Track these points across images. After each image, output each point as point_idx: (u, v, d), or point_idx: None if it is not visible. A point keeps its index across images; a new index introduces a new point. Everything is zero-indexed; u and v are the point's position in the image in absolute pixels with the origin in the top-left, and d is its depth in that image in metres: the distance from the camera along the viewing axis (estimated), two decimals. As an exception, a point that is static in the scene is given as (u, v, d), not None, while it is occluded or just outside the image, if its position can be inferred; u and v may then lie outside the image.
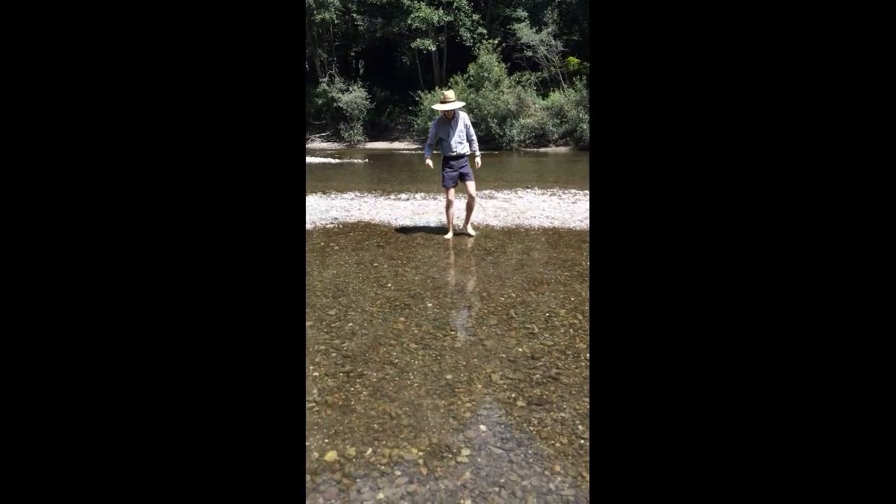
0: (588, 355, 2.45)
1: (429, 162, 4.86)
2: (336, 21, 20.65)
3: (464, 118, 4.75)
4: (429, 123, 18.97)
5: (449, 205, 4.85)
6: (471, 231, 4.97)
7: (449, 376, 2.28)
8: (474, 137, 4.79)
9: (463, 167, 4.76)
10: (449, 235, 4.86)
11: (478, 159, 4.81)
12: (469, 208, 4.95)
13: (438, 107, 4.67)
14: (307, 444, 1.81)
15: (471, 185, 4.80)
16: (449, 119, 4.69)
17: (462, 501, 1.54)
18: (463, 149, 4.73)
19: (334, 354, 2.51)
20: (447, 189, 4.80)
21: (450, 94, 4.68)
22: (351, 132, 20.52)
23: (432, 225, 5.47)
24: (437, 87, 19.67)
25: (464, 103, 5.24)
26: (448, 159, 4.75)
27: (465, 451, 1.77)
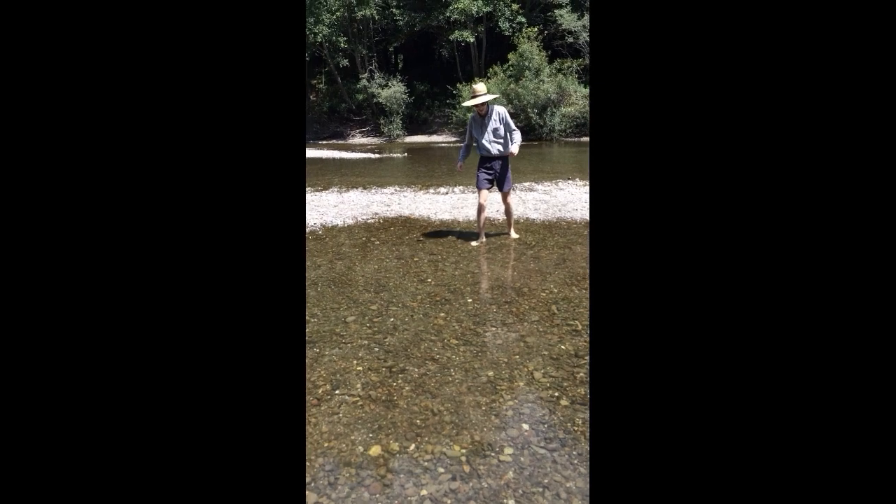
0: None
1: (459, 165, 4.46)
2: (376, 17, 20.83)
3: (499, 112, 4.18)
4: (467, 115, 18.92)
5: (480, 209, 4.37)
6: (514, 234, 4.56)
7: (490, 373, 2.27)
8: (514, 128, 4.21)
9: (500, 172, 4.27)
10: (476, 243, 4.39)
11: (514, 147, 4.14)
12: (508, 213, 4.54)
13: (468, 103, 4.18)
14: (352, 437, 1.86)
15: (505, 192, 4.35)
16: (482, 114, 4.17)
17: (505, 501, 1.53)
18: (499, 148, 4.19)
19: (377, 349, 2.55)
20: (480, 190, 4.34)
21: (479, 86, 4.20)
22: (390, 126, 20.72)
23: (472, 219, 5.44)
24: (475, 79, 19.51)
25: (496, 95, 4.71)
26: (484, 160, 4.27)
27: (508, 450, 1.76)
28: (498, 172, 4.26)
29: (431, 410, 2.01)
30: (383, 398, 2.11)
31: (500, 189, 4.35)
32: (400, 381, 2.23)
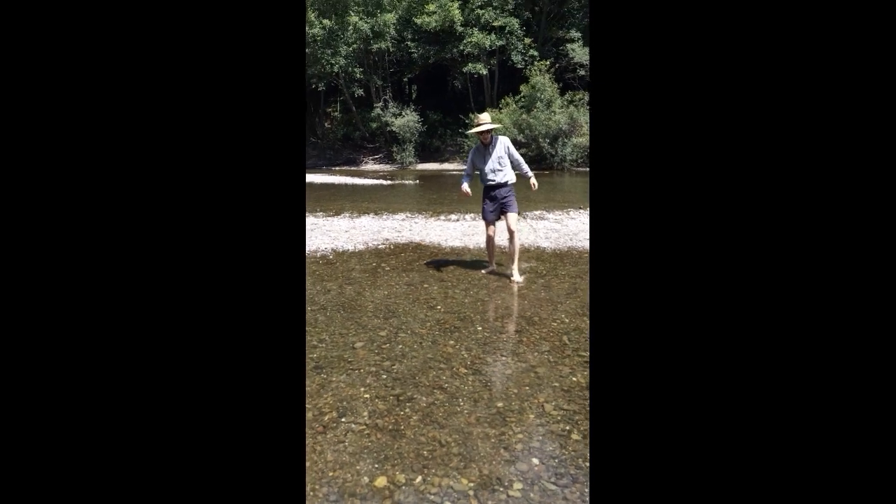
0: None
1: (465, 188, 4.25)
2: (391, 49, 21.49)
3: (504, 142, 4.15)
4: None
5: (489, 240, 4.32)
6: (516, 276, 4.11)
7: (500, 404, 2.22)
8: (521, 159, 4.18)
9: (505, 198, 4.13)
10: (485, 271, 4.38)
11: (533, 180, 4.24)
12: (512, 247, 4.14)
13: (473, 131, 4.19)
14: (357, 467, 1.82)
15: (512, 217, 4.11)
16: (486, 144, 4.14)
17: (514, 540, 1.47)
18: (502, 177, 4.12)
19: (384, 376, 2.52)
20: (487, 223, 4.25)
21: (484, 116, 4.17)
22: (403, 154, 21.08)
23: (482, 245, 5.45)
24: (487, 109, 19.88)
25: (499, 125, 4.64)
26: (488, 189, 4.18)
27: (518, 485, 1.70)
28: (502, 200, 4.16)
29: (439, 441, 1.96)
30: (390, 427, 2.07)
31: (507, 212, 4.14)
32: (407, 410, 2.19)
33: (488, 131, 4.08)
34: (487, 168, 4.13)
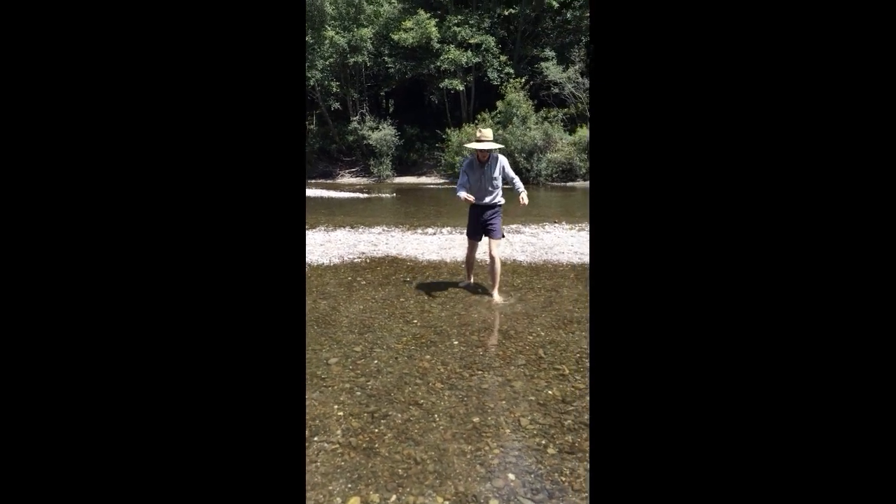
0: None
1: (462, 194, 3.80)
2: (368, 64, 21.60)
3: (501, 162, 3.89)
4: (456, 159, 19.30)
5: (469, 258, 4.22)
6: (497, 298, 3.96)
7: (476, 419, 2.20)
8: (514, 175, 3.94)
9: (491, 220, 3.93)
10: (462, 285, 4.32)
11: (524, 195, 3.90)
12: (493, 271, 3.98)
13: (473, 146, 3.82)
14: (330, 488, 1.76)
15: (495, 245, 3.96)
16: (482, 161, 3.84)
17: (490, 559, 1.44)
18: (492, 199, 3.92)
19: (359, 393, 2.47)
20: (469, 239, 4.13)
21: (487, 132, 3.86)
22: (380, 167, 21.07)
23: (459, 259, 5.46)
24: (464, 124, 20.11)
25: (502, 146, 4.29)
26: (475, 207, 3.97)
27: (494, 502, 1.68)
28: (489, 222, 3.96)
29: (414, 459, 1.92)
30: (364, 445, 2.02)
31: (491, 237, 3.98)
32: (382, 428, 2.15)
33: (487, 151, 3.80)
34: (481, 188, 3.90)
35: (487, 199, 3.93)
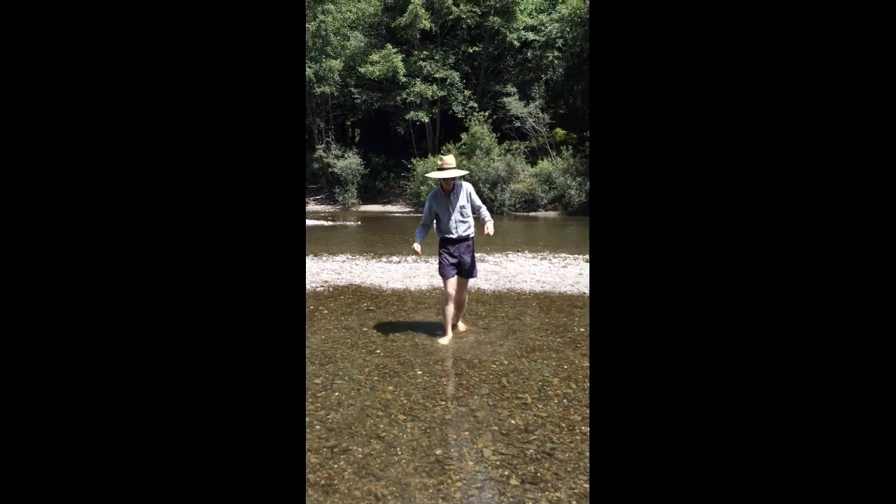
0: (584, 428, 2.36)
1: (416, 247, 3.65)
2: (335, 94, 21.77)
3: (467, 189, 3.62)
4: (421, 188, 19.51)
5: (447, 300, 3.65)
6: (461, 326, 3.90)
7: (438, 451, 2.17)
8: (481, 204, 3.70)
9: (465, 254, 3.63)
10: (445, 341, 3.64)
11: (489, 225, 3.58)
12: (459, 304, 3.82)
13: (434, 174, 3.56)
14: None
15: (465, 284, 3.74)
16: (447, 191, 3.56)
17: None
18: (466, 230, 3.59)
19: (318, 427, 2.39)
20: (446, 279, 3.63)
21: (448, 158, 3.59)
22: (345, 195, 20.99)
23: (423, 288, 5.45)
24: (430, 155, 20.44)
25: (466, 172, 3.88)
26: (446, 242, 3.59)
27: (456, 538, 1.64)
28: (462, 257, 3.62)
29: (375, 495, 1.87)
30: (322, 482, 1.94)
31: (466, 276, 3.70)
32: (342, 463, 2.08)
33: (451, 180, 3.54)
34: (451, 220, 3.57)
35: (460, 232, 3.59)
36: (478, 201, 3.69)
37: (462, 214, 3.59)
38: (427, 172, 3.82)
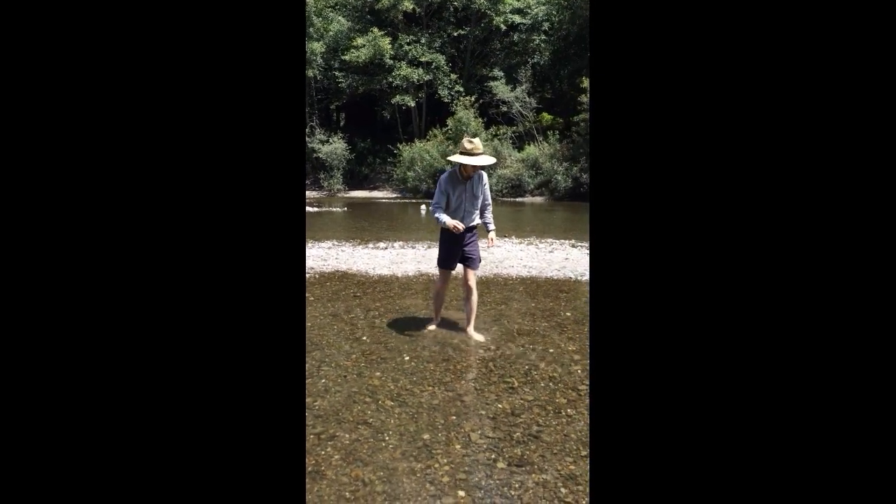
0: (569, 411, 2.39)
1: (456, 223, 3.15)
2: (318, 77, 21.36)
3: (484, 178, 3.32)
4: (407, 174, 19.32)
5: (439, 293, 3.51)
6: (475, 336, 3.42)
7: (426, 436, 2.18)
8: (490, 202, 3.40)
9: (469, 244, 3.33)
10: (433, 326, 3.57)
11: (493, 235, 3.38)
12: (470, 305, 3.44)
13: (464, 160, 3.08)
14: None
15: (473, 275, 3.40)
16: (467, 177, 3.22)
17: (439, 580, 1.42)
18: (472, 220, 3.32)
19: (305, 414, 2.38)
20: (443, 271, 3.42)
21: (478, 142, 3.15)
22: (331, 181, 20.76)
23: (410, 274, 5.43)
24: (416, 140, 20.23)
25: (494, 160, 3.48)
26: (451, 231, 3.19)
27: (443, 521, 1.66)
28: (465, 248, 3.34)
29: (362, 480, 1.87)
30: (310, 469, 1.94)
31: (468, 266, 3.39)
32: (329, 450, 2.08)
33: (482, 166, 3.17)
34: (463, 207, 3.27)
35: (468, 222, 3.29)
36: (489, 195, 3.41)
37: (474, 205, 3.31)
38: (451, 157, 3.33)
